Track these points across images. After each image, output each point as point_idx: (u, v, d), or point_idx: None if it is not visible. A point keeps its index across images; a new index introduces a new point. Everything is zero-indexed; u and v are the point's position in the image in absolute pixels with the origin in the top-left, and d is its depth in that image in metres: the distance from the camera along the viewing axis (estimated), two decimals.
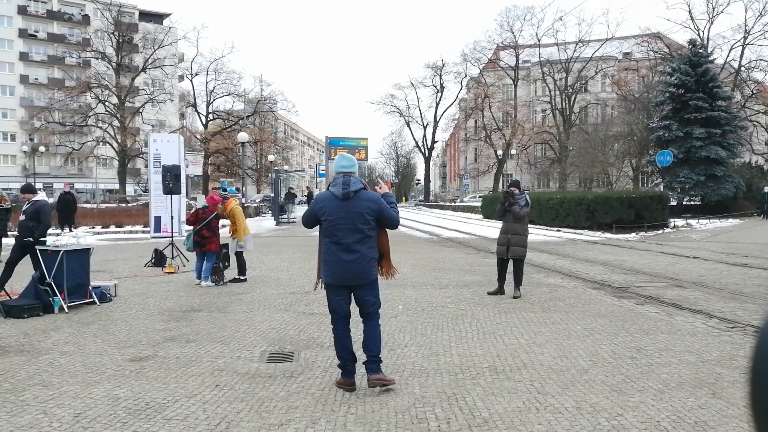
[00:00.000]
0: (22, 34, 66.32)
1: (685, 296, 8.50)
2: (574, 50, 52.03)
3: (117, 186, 50.25)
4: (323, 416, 3.94)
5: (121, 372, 4.96)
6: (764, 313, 7.07)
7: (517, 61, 56.33)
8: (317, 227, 4.64)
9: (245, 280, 10.10)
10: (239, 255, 10.26)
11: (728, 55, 42.55)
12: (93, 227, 22.80)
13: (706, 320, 6.86)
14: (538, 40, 54.44)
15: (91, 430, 3.71)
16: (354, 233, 4.40)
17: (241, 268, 10.21)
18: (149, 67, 47.16)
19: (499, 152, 54.06)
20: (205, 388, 4.54)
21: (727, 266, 11.99)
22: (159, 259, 11.90)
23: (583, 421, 3.80)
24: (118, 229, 22.82)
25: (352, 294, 4.56)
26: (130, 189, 52.96)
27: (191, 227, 10.21)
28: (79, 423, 3.82)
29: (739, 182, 30.54)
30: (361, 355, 4.60)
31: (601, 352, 5.44)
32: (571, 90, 53.36)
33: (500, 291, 8.57)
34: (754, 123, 44.15)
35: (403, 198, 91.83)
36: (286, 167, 51.19)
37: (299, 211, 38.32)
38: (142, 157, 46.84)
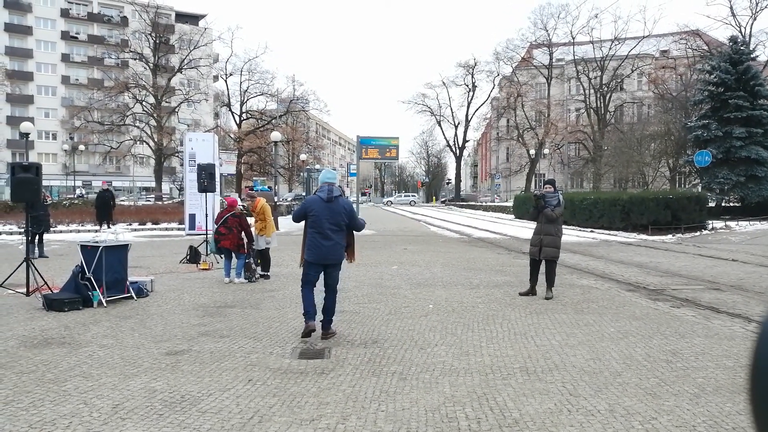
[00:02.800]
0: (64, 36, 68.38)
1: (723, 300, 8.30)
2: (610, 48, 51.09)
3: (153, 184, 51.31)
4: (354, 413, 3.98)
5: (157, 365, 5.09)
6: (765, 311, 6.84)
7: (551, 59, 55.58)
8: (302, 222, 6.19)
9: (269, 276, 10.26)
10: (266, 251, 10.40)
11: None
12: (130, 224, 23.35)
13: (745, 324, 6.69)
14: (573, 38, 53.63)
15: (129, 421, 3.81)
16: (332, 226, 5.98)
17: (266, 264, 10.39)
18: (185, 67, 48.02)
19: (532, 152, 53.48)
20: (238, 382, 4.63)
21: None
22: (194, 256, 12.13)
23: (616, 424, 3.75)
24: (154, 226, 23.30)
25: (324, 271, 6.11)
26: (165, 187, 54.01)
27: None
28: (117, 414, 3.93)
29: None
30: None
31: (635, 355, 5.36)
32: (606, 88, 52.40)
33: (532, 292, 8.50)
34: None
35: (434, 197, 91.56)
36: (317, 166, 51.60)
37: None
38: (178, 156, 47.76)
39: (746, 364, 3.16)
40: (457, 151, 70.53)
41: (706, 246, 17.09)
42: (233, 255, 9.90)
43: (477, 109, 66.85)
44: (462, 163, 76.75)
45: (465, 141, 70.19)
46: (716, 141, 29.38)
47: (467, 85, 64.22)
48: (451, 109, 76.24)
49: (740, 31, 39.49)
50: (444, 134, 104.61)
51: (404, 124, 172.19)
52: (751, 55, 32.81)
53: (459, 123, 68.35)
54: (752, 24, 41.33)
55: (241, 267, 9.86)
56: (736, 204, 30.37)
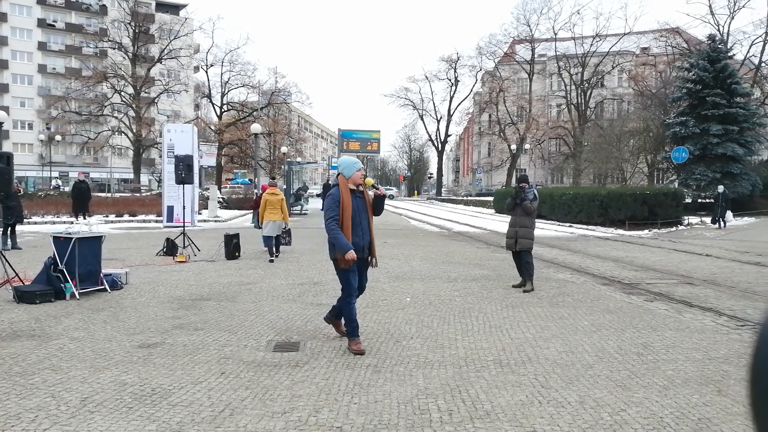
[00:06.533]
0: (41, 23, 66.97)
1: (696, 294, 8.43)
2: (591, 44, 51.47)
3: (132, 176, 50.63)
4: (326, 405, 3.97)
5: (129, 358, 5.03)
6: (765, 311, 6.98)
7: (533, 54, 55.86)
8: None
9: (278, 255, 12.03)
10: (279, 237, 12.27)
11: (749, 51, 41.80)
12: (107, 216, 23.04)
13: (716, 318, 6.80)
14: (555, 34, 53.96)
15: (97, 414, 3.76)
16: None
17: (278, 246, 12.25)
18: (165, 57, 47.31)
19: (513, 147, 53.77)
20: (210, 375, 4.59)
21: (740, 264, 11.86)
22: (170, 249, 12.00)
23: (586, 416, 3.79)
24: (131, 218, 23.03)
25: None
26: (144, 179, 53.35)
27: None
28: (85, 407, 3.88)
29: (756, 180, 30.11)
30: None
31: (607, 348, 5.42)
32: (587, 85, 52.82)
33: (523, 282, 8.62)
34: None
35: (416, 192, 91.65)
36: (299, 159, 51.30)
37: (311, 204, 38.43)
38: (157, 147, 47.09)
39: (716, 357, 3.23)
40: (439, 146, 70.66)
41: (682, 241, 17.34)
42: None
43: (459, 104, 67.16)
44: (444, 157, 76.94)
45: (447, 135, 70.36)
46: (693, 138, 29.81)
47: (450, 80, 64.36)
48: (434, 104, 76.43)
49: (719, 30, 40.02)
50: (426, 128, 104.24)
51: (387, 118, 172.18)
52: (729, 54, 33.30)
53: (441, 117, 68.53)
54: (730, 23, 42.02)
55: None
56: (712, 200, 30.86)
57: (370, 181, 5.53)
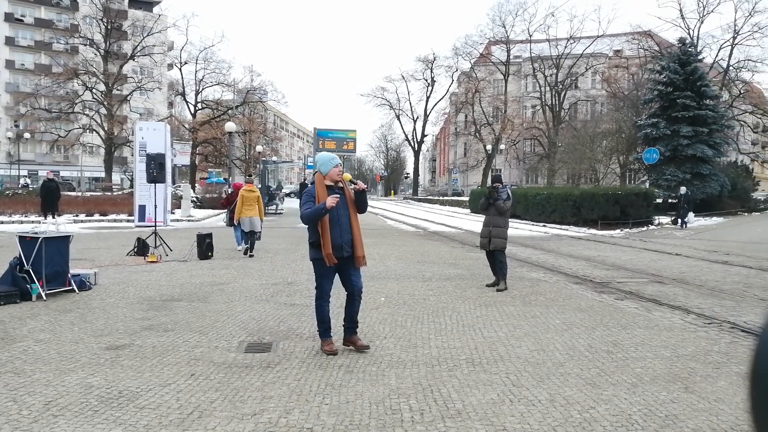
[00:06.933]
0: (8, 18, 65.34)
1: (665, 292, 8.58)
2: (565, 46, 52.13)
3: (103, 174, 49.72)
4: (297, 406, 3.93)
5: (95, 360, 4.92)
6: (765, 316, 7.09)
7: (508, 56, 56.34)
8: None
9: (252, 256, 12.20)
10: (254, 234, 12.44)
11: (717, 55, 42.85)
12: (77, 215, 22.59)
13: (684, 316, 6.93)
14: (530, 36, 54.51)
15: (61, 418, 3.67)
16: None
17: (253, 246, 12.42)
18: (138, 54, 46.58)
19: (489, 147, 54.15)
20: (180, 377, 4.52)
21: (709, 263, 12.11)
22: (141, 248, 11.81)
23: (556, 414, 3.82)
24: (102, 218, 22.61)
25: None
26: (116, 178, 52.43)
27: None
28: (49, 411, 3.78)
29: (725, 181, 30.82)
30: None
31: (578, 346, 5.48)
32: (561, 86, 53.47)
33: (497, 282, 8.67)
34: (741, 122, 44.53)
35: (392, 191, 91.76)
36: (274, 158, 50.95)
37: (287, 203, 38.19)
38: (129, 146, 46.33)
39: (683, 354, 3.27)
40: (416, 146, 70.81)
41: (652, 240, 17.65)
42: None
43: (436, 104, 67.32)
44: (420, 157, 77.12)
45: (423, 135, 70.55)
46: (664, 139, 30.38)
47: (426, 80, 64.52)
48: (410, 103, 76.29)
49: (689, 33, 40.86)
50: (403, 128, 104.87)
51: (364, 118, 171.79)
52: (699, 57, 34.00)
53: (418, 117, 68.69)
54: (700, 27, 42.88)
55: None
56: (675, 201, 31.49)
57: (347, 176, 5.35)
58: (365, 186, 5.52)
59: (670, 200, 31.02)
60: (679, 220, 23.12)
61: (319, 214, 5.00)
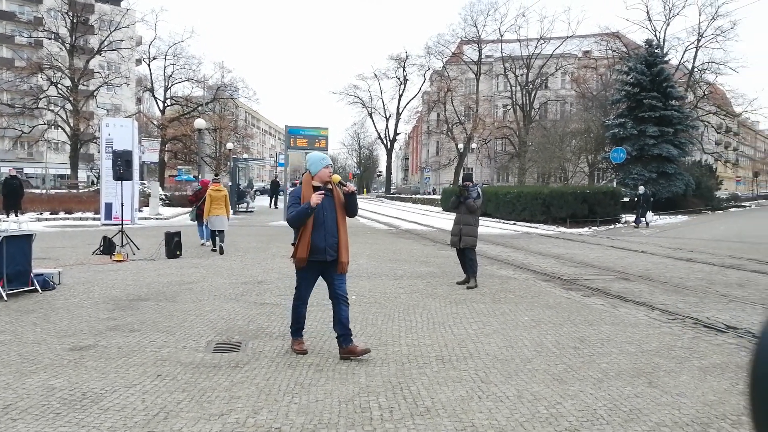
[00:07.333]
0: None
1: (631, 289, 8.75)
2: (536, 47, 52.74)
3: (68, 171, 48.58)
4: (266, 406, 3.90)
5: (58, 361, 4.81)
6: (764, 316, 7.19)
7: (480, 55, 56.76)
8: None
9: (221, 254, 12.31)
10: (222, 232, 12.65)
11: (683, 57, 43.90)
12: (41, 213, 22.04)
13: (649, 312, 7.08)
14: (501, 36, 54.99)
15: (21, 421, 3.57)
16: None
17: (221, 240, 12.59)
18: (105, 49, 45.59)
19: (460, 146, 54.49)
20: (146, 378, 4.44)
21: (673, 261, 12.39)
22: (108, 247, 11.58)
23: (523, 409, 3.86)
24: (67, 216, 22.09)
25: None
26: (82, 175, 51.27)
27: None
28: (8, 414, 3.68)
29: (689, 180, 31.55)
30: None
31: (546, 343, 5.55)
32: (531, 86, 54.09)
33: (468, 279, 8.73)
34: (705, 123, 45.73)
35: (365, 189, 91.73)
36: (245, 156, 50.42)
37: (258, 201, 37.86)
38: (96, 143, 45.34)
39: (648, 349, 3.32)
40: (389, 144, 70.89)
41: (619, 238, 17.98)
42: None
43: (408, 102, 67.58)
44: (393, 155, 77.26)
45: (396, 134, 70.68)
46: (631, 139, 30.98)
47: (399, 78, 64.65)
48: (383, 102, 76.71)
49: (656, 35, 41.78)
50: (375, 126, 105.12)
51: (336, 115, 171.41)
52: (665, 59, 34.78)
53: (390, 115, 68.75)
54: (666, 29, 44.08)
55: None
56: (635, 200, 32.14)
57: (336, 177, 5.13)
58: (355, 188, 5.36)
59: (636, 198, 31.68)
60: (639, 219, 23.46)
61: (305, 214, 4.82)
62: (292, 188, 5.24)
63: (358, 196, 5.29)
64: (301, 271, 5.05)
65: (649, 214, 24.48)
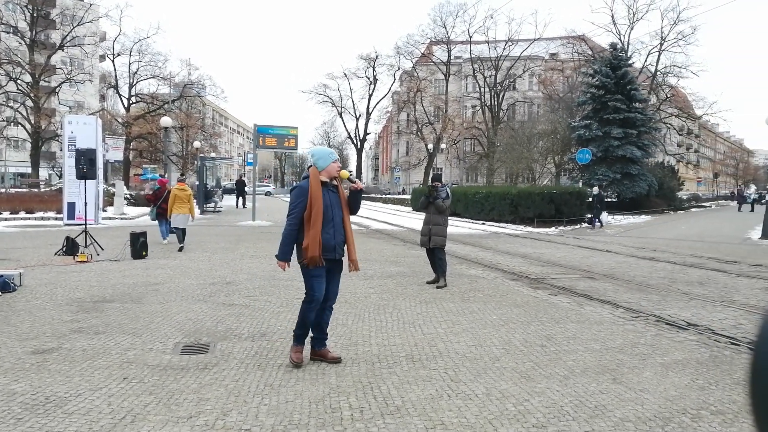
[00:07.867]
0: None
1: (596, 287, 8.94)
2: (504, 48, 53.37)
3: (29, 170, 47.22)
4: (235, 408, 3.87)
5: (20, 365, 4.68)
6: (763, 313, 7.29)
7: (449, 56, 57.17)
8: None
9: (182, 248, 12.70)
10: (184, 230, 13.06)
11: (646, 60, 44.94)
12: (0, 213, 21.38)
13: (613, 310, 7.24)
14: (470, 37, 55.47)
15: None
16: None
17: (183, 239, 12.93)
18: (67, 44, 44.42)
19: (430, 146, 54.79)
20: (111, 381, 4.36)
21: (636, 260, 12.69)
22: (71, 248, 11.31)
23: (492, 407, 3.92)
24: (28, 216, 21.51)
25: None
26: (43, 173, 49.91)
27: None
28: None
29: (652, 181, 32.33)
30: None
31: (514, 341, 5.63)
32: (499, 87, 54.72)
33: (437, 279, 8.80)
34: (668, 125, 46.96)
35: None
36: (213, 154, 49.78)
37: (226, 201, 37.42)
38: (58, 140, 44.19)
39: (612, 347, 3.40)
40: (359, 144, 70.77)
41: (585, 238, 18.33)
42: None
43: (378, 102, 67.42)
44: (363, 155, 77.15)
45: (366, 133, 70.51)
46: (597, 140, 31.61)
47: (369, 78, 64.50)
48: (353, 101, 76.13)
49: (620, 39, 42.67)
50: (345, 126, 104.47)
51: (306, 115, 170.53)
52: (629, 62, 35.56)
53: (360, 115, 68.57)
54: (630, 33, 44.99)
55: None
56: (613, 199, 32.89)
57: (345, 173, 4.86)
58: (363, 185, 5.16)
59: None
60: (594, 220, 23.57)
61: (281, 252, 4.77)
62: (294, 185, 5.01)
63: None
64: (313, 270, 4.72)
65: (604, 215, 24.84)
